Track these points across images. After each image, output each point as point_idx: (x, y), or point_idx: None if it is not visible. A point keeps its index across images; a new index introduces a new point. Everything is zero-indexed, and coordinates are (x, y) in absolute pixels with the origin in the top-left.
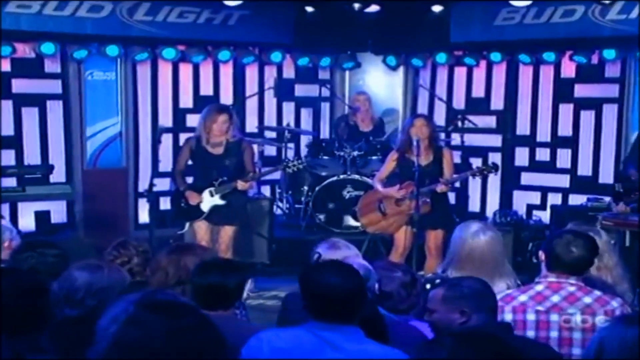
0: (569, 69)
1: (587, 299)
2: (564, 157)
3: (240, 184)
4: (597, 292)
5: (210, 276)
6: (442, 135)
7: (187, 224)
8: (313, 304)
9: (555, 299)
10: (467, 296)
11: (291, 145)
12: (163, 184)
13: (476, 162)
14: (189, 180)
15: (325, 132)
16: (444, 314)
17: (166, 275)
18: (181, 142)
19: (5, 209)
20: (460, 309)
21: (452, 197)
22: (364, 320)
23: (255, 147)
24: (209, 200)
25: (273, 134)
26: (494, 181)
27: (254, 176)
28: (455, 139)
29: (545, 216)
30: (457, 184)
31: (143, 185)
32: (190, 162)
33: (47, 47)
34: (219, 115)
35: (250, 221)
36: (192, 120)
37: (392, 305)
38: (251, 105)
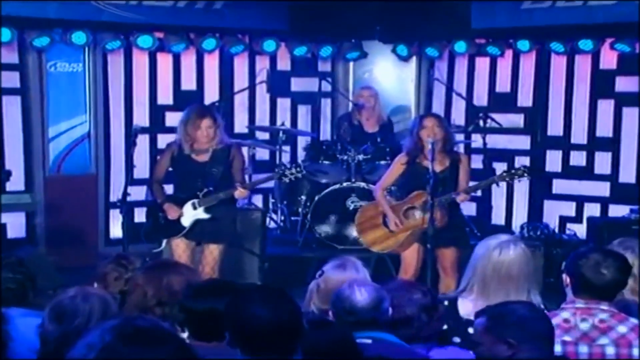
0: (609, 59)
1: (622, 328)
2: (603, 162)
3: (239, 192)
4: (634, 320)
5: (207, 301)
6: (462, 137)
7: (164, 241)
8: (236, 338)
9: (585, 327)
10: (511, 324)
11: (287, 148)
12: (138, 193)
13: (501, 168)
14: (169, 189)
15: (326, 133)
16: (488, 346)
17: (144, 295)
18: (160, 144)
19: None
20: (505, 340)
21: (472, 208)
22: (331, 349)
23: (245, 151)
24: (191, 214)
25: (266, 135)
26: (522, 190)
27: (250, 184)
28: (477, 140)
29: (581, 230)
30: (478, 193)
31: (115, 194)
32: (170, 169)
33: (3, 34)
34: (201, 121)
35: (239, 237)
36: (172, 118)
37: (411, 333)
38: (240, 101)
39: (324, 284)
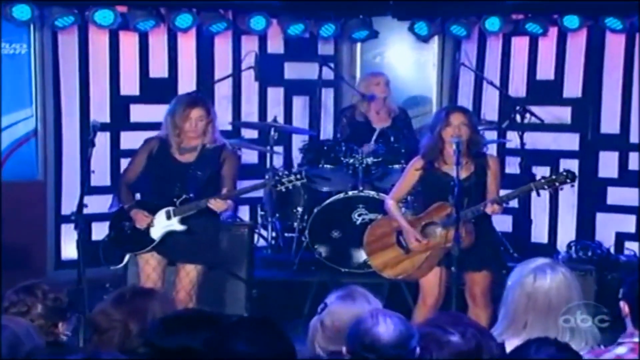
0: None
1: None
2: None
3: (213, 203)
4: None
5: (179, 337)
6: (494, 135)
7: (127, 257)
8: None
9: None
10: None
11: (279, 149)
12: (97, 204)
13: (542, 173)
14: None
15: (327, 131)
16: None
17: (127, 334)
18: (123, 144)
19: None
20: None
21: (507, 223)
22: None
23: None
24: (163, 224)
25: (254, 133)
26: (568, 200)
27: (229, 193)
28: (513, 139)
29: None
30: (514, 204)
31: (68, 206)
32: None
33: None
34: (190, 110)
35: (223, 258)
36: (139, 112)
37: None
38: (222, 92)
39: (330, 320)
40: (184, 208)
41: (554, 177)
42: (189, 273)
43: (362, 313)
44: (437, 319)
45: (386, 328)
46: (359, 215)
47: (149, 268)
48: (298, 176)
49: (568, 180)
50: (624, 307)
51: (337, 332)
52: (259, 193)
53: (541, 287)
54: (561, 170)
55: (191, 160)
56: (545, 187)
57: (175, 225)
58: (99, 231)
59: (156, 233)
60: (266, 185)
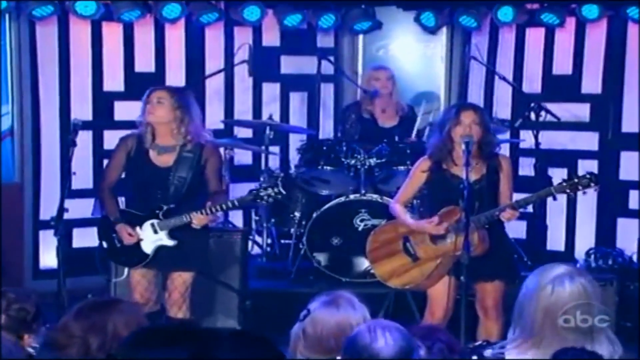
0: None
1: None
2: None
3: (198, 219)
4: None
5: (151, 351)
6: (507, 134)
7: (126, 271)
8: None
9: None
10: None
11: (275, 149)
12: (79, 208)
13: (559, 175)
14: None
15: (326, 130)
16: None
17: (86, 349)
18: (107, 143)
19: None
20: None
21: (521, 229)
22: None
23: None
24: (152, 238)
25: (248, 132)
26: (587, 204)
27: (211, 207)
28: (527, 139)
29: None
30: (529, 209)
31: (47, 211)
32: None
33: None
34: (152, 92)
35: (212, 266)
36: (124, 110)
37: None
38: (214, 88)
39: (313, 327)
40: (169, 222)
41: (575, 180)
42: (182, 274)
43: (347, 320)
44: (408, 329)
45: (385, 343)
46: (361, 220)
47: (133, 280)
48: (275, 190)
49: (592, 184)
50: None
51: (320, 340)
52: None
53: (559, 298)
54: (580, 172)
55: (170, 163)
56: (567, 191)
57: (164, 240)
58: (81, 238)
59: (148, 247)
60: (244, 200)
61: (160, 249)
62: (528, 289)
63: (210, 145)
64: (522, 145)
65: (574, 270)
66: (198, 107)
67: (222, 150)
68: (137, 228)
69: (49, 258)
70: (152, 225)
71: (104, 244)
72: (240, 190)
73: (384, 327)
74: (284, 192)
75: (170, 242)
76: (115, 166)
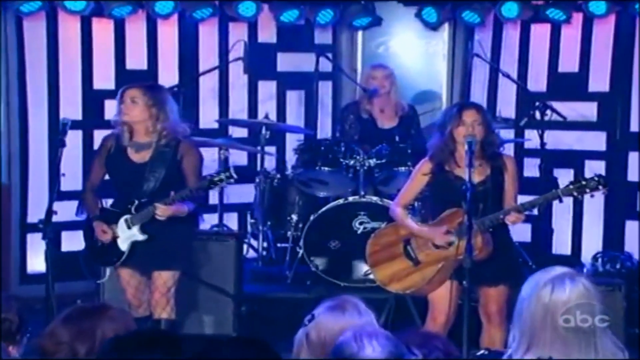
0: None
1: None
2: None
3: (161, 209)
4: None
5: (131, 358)
6: (511, 134)
7: (107, 271)
8: None
9: None
10: None
11: (271, 149)
12: (68, 211)
13: (565, 177)
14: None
15: (324, 129)
16: None
17: (74, 355)
18: (97, 144)
19: None
20: None
21: (526, 233)
22: None
23: (214, 153)
24: (127, 234)
25: (243, 132)
26: (595, 207)
27: (174, 197)
28: (532, 139)
29: None
30: (534, 211)
31: (35, 213)
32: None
33: None
34: (125, 91)
35: (207, 270)
36: (115, 109)
37: None
38: (208, 86)
39: (316, 333)
40: (139, 216)
41: (583, 182)
42: (162, 274)
43: (352, 326)
44: (405, 336)
45: (373, 351)
46: (360, 223)
47: (123, 281)
48: (227, 174)
49: (600, 187)
50: None
51: (324, 346)
52: (249, 198)
53: (559, 299)
54: (587, 173)
55: (146, 159)
56: (574, 194)
57: (137, 235)
58: (70, 241)
59: (123, 245)
60: (200, 187)
61: (136, 246)
62: (527, 290)
63: (187, 141)
64: (526, 145)
65: (575, 271)
66: (174, 102)
67: (215, 150)
68: (114, 225)
69: (36, 262)
70: (126, 220)
71: (87, 245)
72: (235, 192)
73: (371, 334)
74: (235, 176)
75: (141, 237)
76: (97, 167)
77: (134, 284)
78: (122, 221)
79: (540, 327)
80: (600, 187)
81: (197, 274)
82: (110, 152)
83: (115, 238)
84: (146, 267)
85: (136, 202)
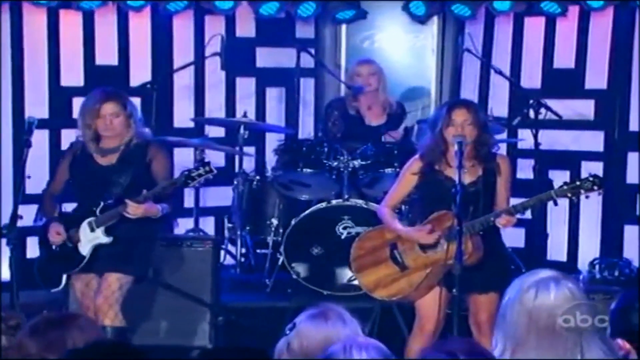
0: None
1: None
2: None
3: (132, 207)
4: None
5: None
6: (504, 134)
7: (64, 277)
8: None
9: None
10: None
11: (250, 149)
12: (33, 215)
13: (560, 178)
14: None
15: (306, 128)
16: None
17: None
18: (65, 143)
19: None
20: None
21: (519, 237)
22: None
23: (189, 154)
24: (89, 237)
25: (220, 132)
26: (592, 210)
27: (146, 195)
28: (526, 138)
29: None
30: (528, 214)
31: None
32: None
33: None
34: (101, 105)
35: (182, 278)
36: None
37: None
38: (183, 83)
39: (298, 342)
40: (105, 217)
41: (578, 183)
42: (109, 277)
43: (336, 335)
44: (449, 344)
45: None
46: (344, 228)
47: (74, 289)
48: (207, 168)
49: (595, 187)
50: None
51: (306, 355)
52: (226, 201)
53: (543, 304)
54: (584, 174)
55: (112, 162)
56: (568, 195)
57: (101, 237)
58: (35, 247)
59: (84, 249)
60: (176, 183)
61: (98, 250)
62: (511, 293)
63: (155, 143)
64: (520, 145)
65: (560, 274)
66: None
67: (190, 151)
68: (76, 229)
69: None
70: (90, 223)
71: (43, 252)
72: (212, 195)
73: (360, 345)
74: (214, 170)
75: (106, 239)
76: (60, 173)
77: (89, 296)
78: (85, 224)
79: (525, 331)
80: (596, 187)
81: (171, 282)
82: (75, 157)
83: (76, 242)
84: (100, 269)
85: (101, 204)
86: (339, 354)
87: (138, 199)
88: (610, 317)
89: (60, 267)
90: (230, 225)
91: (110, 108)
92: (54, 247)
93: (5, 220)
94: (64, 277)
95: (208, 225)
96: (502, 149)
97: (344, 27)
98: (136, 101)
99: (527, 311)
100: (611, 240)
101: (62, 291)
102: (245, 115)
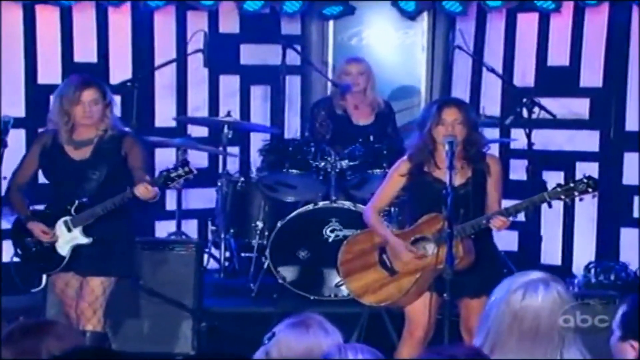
0: None
1: None
2: None
3: (144, 188)
4: None
5: None
6: (496, 133)
7: (44, 277)
8: None
9: None
10: None
11: (234, 149)
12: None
13: (555, 179)
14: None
15: (292, 128)
16: None
17: None
18: None
19: None
20: None
21: (512, 240)
22: None
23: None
24: (67, 238)
25: (203, 131)
26: (587, 212)
27: (155, 179)
28: (519, 138)
29: None
30: (521, 217)
31: None
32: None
33: None
34: (82, 92)
35: (164, 283)
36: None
37: None
38: (164, 81)
39: (278, 351)
40: (82, 217)
41: (572, 184)
42: (91, 280)
43: (317, 345)
44: (451, 349)
45: None
46: (332, 231)
47: (57, 288)
48: (186, 169)
49: (590, 189)
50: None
51: None
52: (210, 204)
53: (530, 306)
54: (579, 175)
55: (86, 156)
56: (562, 197)
57: (79, 238)
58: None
59: (63, 249)
60: (156, 182)
61: (77, 250)
62: (498, 293)
63: (130, 135)
64: (513, 145)
65: (550, 277)
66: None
67: (172, 151)
68: (50, 229)
69: None
70: (65, 222)
71: (19, 252)
72: (195, 196)
73: (355, 349)
74: (195, 171)
75: (85, 240)
76: (26, 165)
77: (70, 294)
78: (60, 223)
79: (507, 332)
80: (590, 189)
81: (152, 287)
82: (45, 148)
83: (53, 242)
84: (83, 272)
85: (76, 202)
86: (334, 356)
87: (150, 180)
88: (622, 320)
89: (39, 267)
90: (213, 228)
91: (90, 95)
92: (30, 246)
93: None
94: (44, 276)
95: (191, 228)
96: (495, 149)
97: (331, 23)
98: (116, 100)
99: (512, 312)
100: (607, 244)
101: (40, 297)
102: (229, 114)
